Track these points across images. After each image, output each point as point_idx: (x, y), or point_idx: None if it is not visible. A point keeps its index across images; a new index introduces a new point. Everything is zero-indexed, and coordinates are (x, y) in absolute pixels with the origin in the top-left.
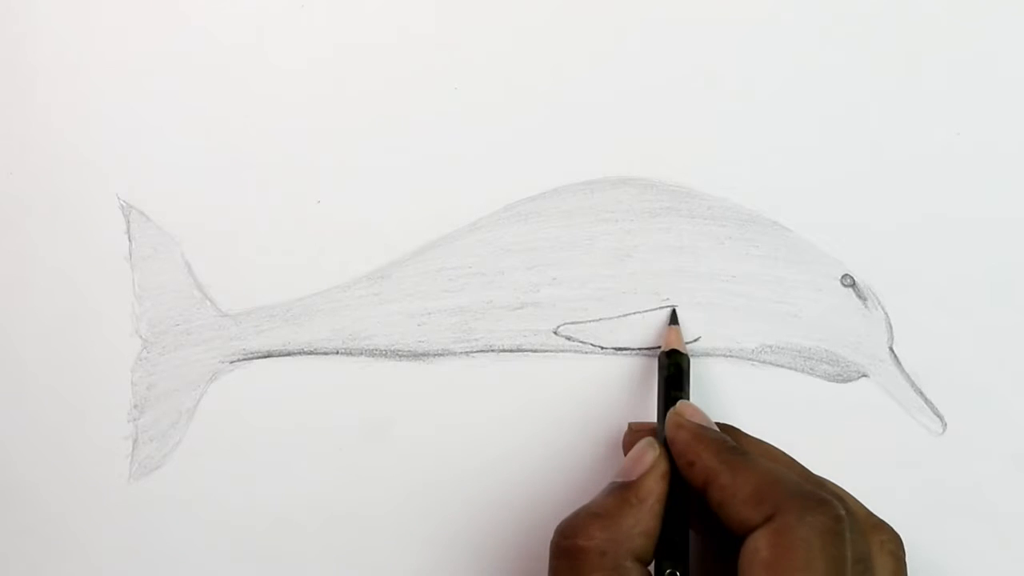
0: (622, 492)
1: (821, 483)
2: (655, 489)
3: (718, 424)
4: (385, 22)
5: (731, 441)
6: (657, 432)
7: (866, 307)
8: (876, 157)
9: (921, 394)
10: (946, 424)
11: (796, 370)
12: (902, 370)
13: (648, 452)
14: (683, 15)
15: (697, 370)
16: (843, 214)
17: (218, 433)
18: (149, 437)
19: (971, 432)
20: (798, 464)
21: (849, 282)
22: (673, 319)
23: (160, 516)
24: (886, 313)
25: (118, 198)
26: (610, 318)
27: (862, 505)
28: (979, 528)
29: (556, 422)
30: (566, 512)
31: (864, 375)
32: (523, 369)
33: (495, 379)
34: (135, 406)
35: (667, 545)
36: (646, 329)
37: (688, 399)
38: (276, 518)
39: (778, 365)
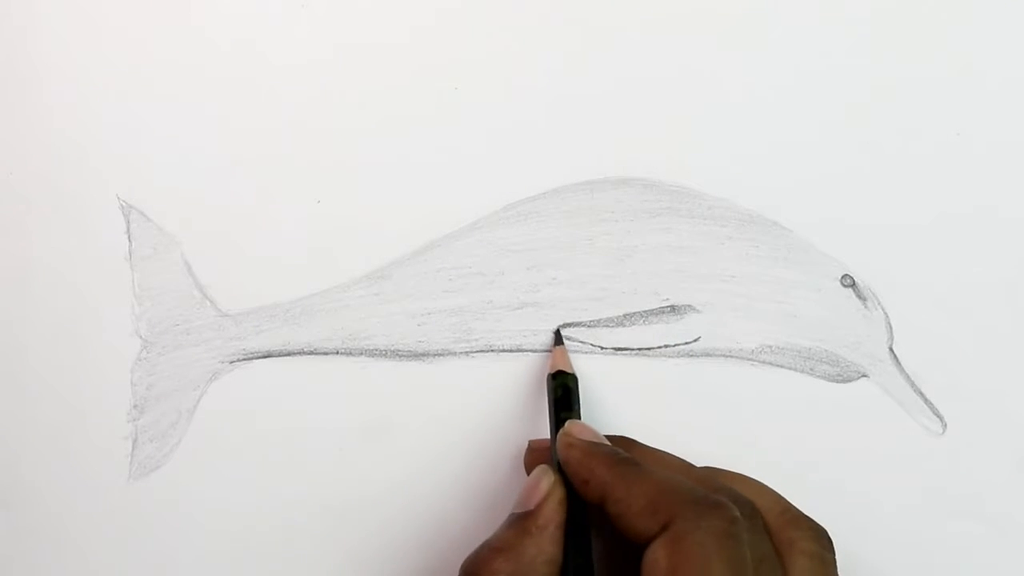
0: (521, 523)
1: (719, 486)
2: (554, 516)
3: (612, 437)
4: (385, 22)
5: (623, 454)
6: (551, 454)
7: (866, 307)
8: (876, 157)
9: (921, 394)
10: (946, 424)
11: (796, 370)
12: (902, 370)
13: (543, 479)
14: (683, 15)
15: (697, 370)
16: (843, 214)
17: (218, 433)
18: (149, 437)
19: (971, 432)
20: (698, 469)
21: (849, 282)
22: (558, 339)
23: (160, 516)
24: (886, 313)
25: (118, 198)
26: (610, 318)
27: (781, 499)
28: (979, 528)
29: None
30: None
31: (864, 375)
32: (523, 369)
33: (495, 379)
34: (135, 406)
35: (572, 570)
36: (646, 329)
37: (579, 418)
38: (276, 518)
39: (778, 365)
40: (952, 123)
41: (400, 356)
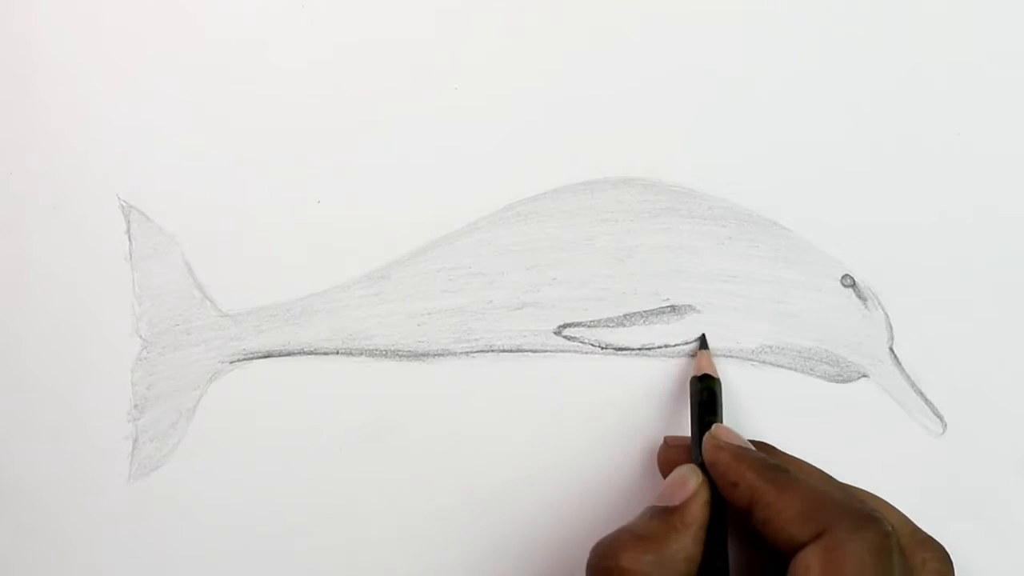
0: (667, 517)
1: (864, 499)
2: (699, 515)
3: (752, 442)
4: (385, 22)
5: (772, 460)
6: (692, 455)
7: (866, 307)
8: (876, 157)
9: (921, 395)
10: (946, 425)
11: (796, 370)
12: (902, 371)
13: (691, 478)
14: (684, 15)
15: None
16: (843, 214)
17: (218, 433)
18: (149, 437)
19: (971, 433)
20: (836, 480)
21: (849, 282)
22: (703, 344)
23: (160, 516)
24: (886, 313)
25: (118, 198)
26: (610, 318)
27: (909, 521)
28: (980, 529)
29: (556, 422)
30: (566, 510)
31: (864, 375)
32: (523, 369)
33: (495, 379)
34: (135, 406)
35: (709, 571)
36: (646, 329)
37: (722, 422)
38: (276, 518)
39: (778, 365)
40: (952, 123)
41: (400, 356)
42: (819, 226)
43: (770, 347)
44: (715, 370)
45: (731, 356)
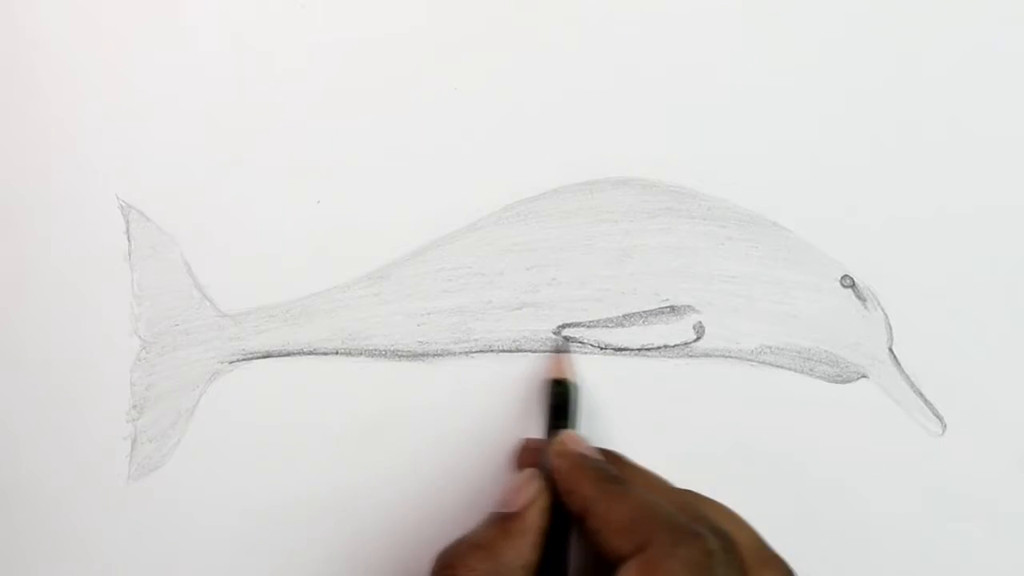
0: (504, 523)
1: (700, 515)
2: (537, 521)
3: (603, 451)
4: (385, 22)
5: (612, 470)
6: (541, 459)
7: (866, 308)
8: (876, 158)
9: (920, 395)
10: (945, 425)
11: (796, 371)
12: (902, 371)
13: (531, 483)
14: (683, 15)
15: (697, 371)
16: (843, 215)
17: (217, 433)
18: (148, 437)
19: (971, 433)
20: (681, 494)
21: (849, 283)
22: (563, 346)
23: (159, 516)
24: (885, 314)
25: (118, 198)
26: (610, 318)
27: (757, 538)
28: (979, 529)
29: None
30: None
31: (864, 376)
32: (523, 369)
33: (495, 379)
34: (134, 406)
35: None
36: (646, 329)
37: (574, 427)
38: (275, 518)
39: (778, 366)
40: (952, 123)
41: (400, 356)
42: (819, 227)
43: (770, 347)
44: (573, 373)
45: (731, 356)
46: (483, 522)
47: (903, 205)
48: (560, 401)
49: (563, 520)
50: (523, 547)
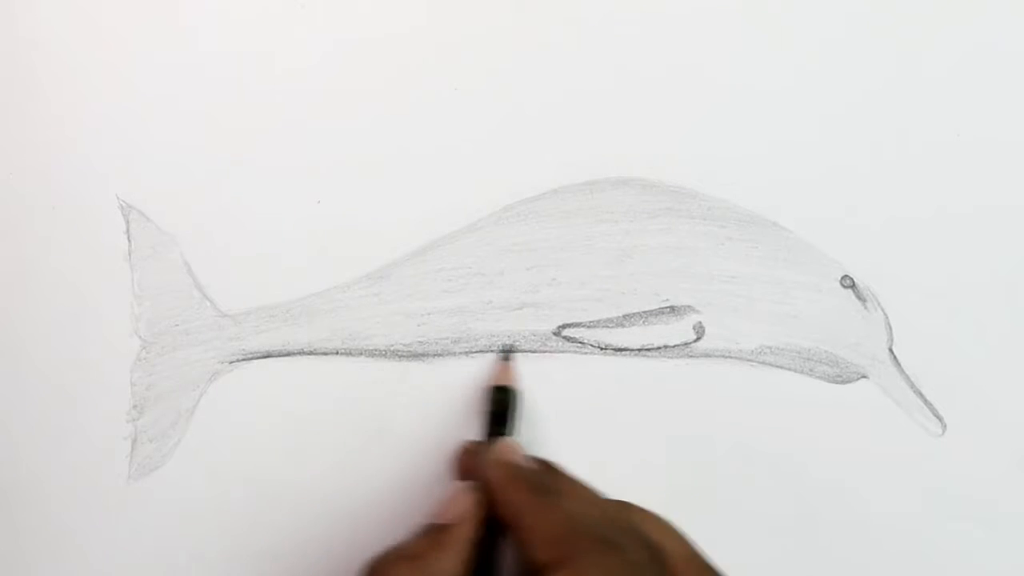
0: (435, 535)
1: (627, 527)
2: (468, 533)
3: (539, 460)
4: (385, 22)
5: (545, 481)
6: (478, 467)
7: (866, 308)
8: (876, 158)
9: (920, 395)
10: (945, 425)
11: (796, 371)
12: (902, 371)
13: (464, 496)
14: (683, 15)
15: (697, 371)
16: (843, 215)
17: (217, 433)
18: (148, 437)
19: (971, 433)
20: (612, 505)
21: (849, 283)
22: (505, 354)
23: (159, 516)
24: (885, 314)
25: (118, 198)
26: (610, 318)
27: (688, 547)
28: (979, 529)
29: (556, 422)
30: None
31: (864, 376)
32: (523, 369)
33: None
34: (134, 406)
35: None
36: (646, 330)
37: (513, 435)
38: (275, 518)
39: (778, 366)
40: (952, 123)
41: (400, 356)
42: (819, 227)
43: (770, 348)
44: (514, 381)
45: (731, 357)
46: (415, 532)
47: (903, 205)
48: (500, 408)
49: (497, 533)
50: (452, 559)
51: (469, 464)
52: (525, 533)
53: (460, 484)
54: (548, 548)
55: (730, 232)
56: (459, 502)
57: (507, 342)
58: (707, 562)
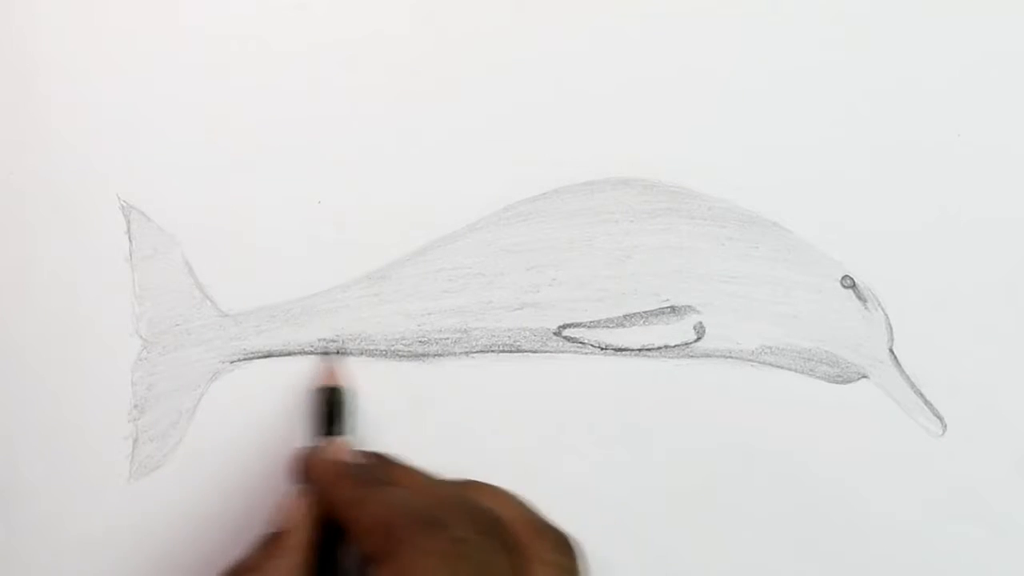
0: (271, 543)
1: (457, 502)
2: (303, 537)
3: (374, 455)
4: (385, 22)
5: (372, 474)
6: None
7: (866, 308)
8: (876, 158)
9: (921, 395)
10: (946, 425)
11: (796, 371)
12: (902, 371)
13: (295, 500)
14: (684, 15)
15: (697, 371)
16: (843, 215)
17: (218, 433)
18: (149, 437)
19: (971, 433)
20: (444, 486)
21: (849, 283)
22: (328, 353)
23: (160, 516)
24: (886, 315)
25: (119, 198)
26: (610, 319)
27: (526, 512)
28: (979, 529)
29: (556, 423)
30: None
31: (864, 376)
32: (523, 369)
33: (495, 379)
34: (135, 406)
35: None
36: (646, 330)
37: (343, 433)
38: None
39: (778, 366)
40: (952, 124)
41: (400, 356)
42: (819, 227)
43: (770, 348)
44: (340, 379)
45: (731, 357)
46: (253, 543)
47: (904, 206)
48: (330, 409)
49: (334, 533)
50: (290, 566)
51: (302, 468)
52: (352, 526)
53: (292, 489)
54: (372, 538)
55: (731, 232)
56: (291, 507)
57: (508, 341)
58: (547, 522)
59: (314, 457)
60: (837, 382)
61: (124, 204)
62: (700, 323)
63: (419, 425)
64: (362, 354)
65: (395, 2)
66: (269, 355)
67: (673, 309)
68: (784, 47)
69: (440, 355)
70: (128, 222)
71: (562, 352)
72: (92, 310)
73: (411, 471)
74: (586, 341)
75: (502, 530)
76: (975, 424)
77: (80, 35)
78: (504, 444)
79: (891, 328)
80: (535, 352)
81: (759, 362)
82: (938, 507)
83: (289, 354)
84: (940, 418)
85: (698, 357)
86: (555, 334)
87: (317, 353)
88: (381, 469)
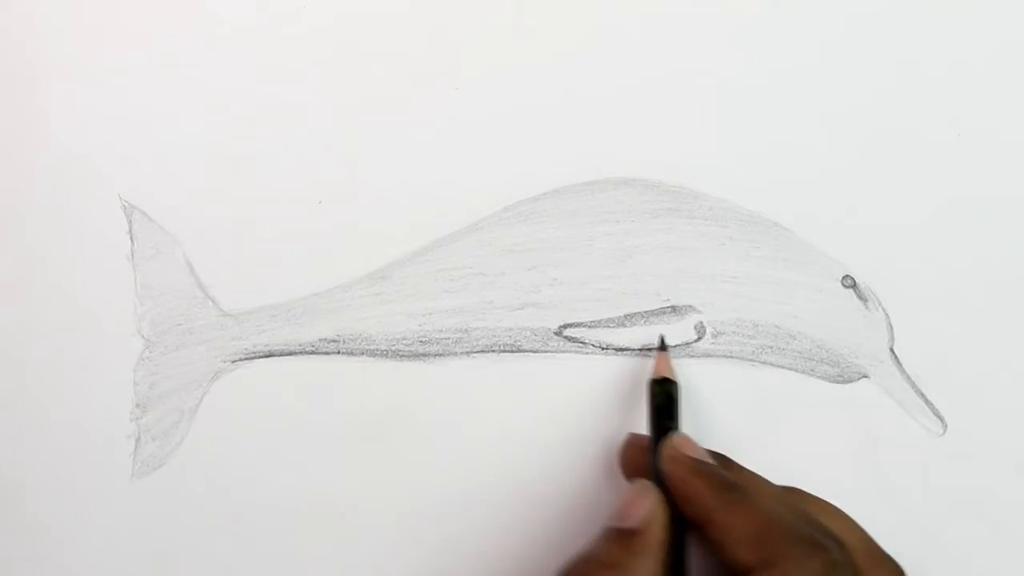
0: (627, 541)
1: (817, 522)
2: (660, 537)
3: (714, 454)
4: (385, 23)
5: (728, 476)
6: (650, 463)
7: (867, 308)
8: (877, 158)
9: (922, 395)
10: (947, 425)
11: (796, 371)
12: (903, 371)
13: (647, 496)
14: (684, 15)
15: (697, 371)
16: (844, 215)
17: (220, 432)
18: (151, 436)
19: (972, 433)
20: (794, 496)
21: (850, 283)
22: (662, 345)
23: (162, 515)
24: (887, 314)
25: (120, 198)
26: (611, 318)
27: (867, 538)
28: (979, 529)
29: (557, 423)
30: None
31: (865, 376)
32: (523, 369)
33: (495, 379)
34: (137, 405)
35: None
36: (647, 330)
37: (679, 428)
38: (277, 517)
39: (778, 366)
40: (952, 123)
41: (401, 356)
42: (820, 227)
43: (770, 347)
44: (674, 373)
45: (731, 357)
46: (602, 538)
47: (904, 205)
48: (665, 402)
49: (681, 530)
50: (651, 564)
51: (638, 460)
52: (719, 533)
53: (639, 483)
54: (749, 548)
55: (731, 232)
56: (643, 502)
57: (509, 341)
58: (884, 552)
59: (662, 452)
60: (837, 382)
61: (126, 204)
62: (701, 323)
63: (421, 425)
64: (363, 354)
65: (395, 2)
66: (271, 355)
67: (674, 309)
68: (784, 47)
69: (440, 355)
70: (130, 222)
71: (563, 352)
72: (94, 310)
73: (753, 475)
74: (587, 341)
75: (850, 557)
76: (975, 424)
77: (80, 35)
78: (504, 445)
79: (892, 328)
80: (536, 352)
81: (759, 362)
82: (938, 506)
83: (291, 354)
84: (940, 418)
85: (698, 357)
86: (556, 334)
87: (320, 353)
88: (731, 472)
